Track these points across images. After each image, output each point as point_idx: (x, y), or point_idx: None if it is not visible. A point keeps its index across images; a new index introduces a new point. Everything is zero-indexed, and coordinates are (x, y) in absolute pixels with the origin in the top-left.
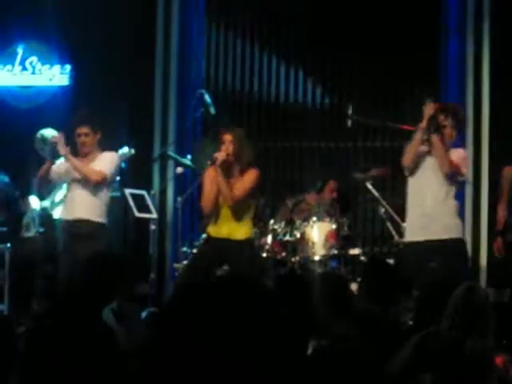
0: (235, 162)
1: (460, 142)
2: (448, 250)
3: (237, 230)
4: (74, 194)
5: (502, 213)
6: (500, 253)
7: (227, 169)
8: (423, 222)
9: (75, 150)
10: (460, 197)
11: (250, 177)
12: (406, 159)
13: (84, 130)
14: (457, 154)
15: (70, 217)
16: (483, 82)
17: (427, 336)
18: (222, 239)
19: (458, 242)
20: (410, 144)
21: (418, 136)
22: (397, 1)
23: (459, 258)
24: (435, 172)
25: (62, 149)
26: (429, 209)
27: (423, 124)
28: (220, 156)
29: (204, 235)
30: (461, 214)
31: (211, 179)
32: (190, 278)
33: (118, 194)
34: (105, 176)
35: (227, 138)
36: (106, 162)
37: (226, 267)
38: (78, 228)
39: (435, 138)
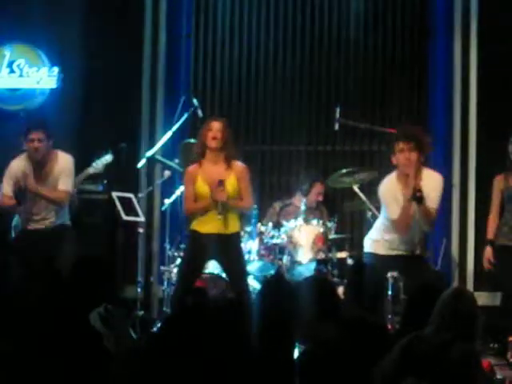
0: (221, 150)
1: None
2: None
3: (228, 223)
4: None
5: (492, 223)
6: (490, 263)
7: (213, 157)
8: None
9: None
10: (448, 201)
11: (246, 176)
12: (402, 226)
13: (39, 135)
14: (432, 183)
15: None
16: (470, 83)
17: (414, 340)
18: (212, 234)
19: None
20: (401, 213)
21: (406, 205)
22: (384, 2)
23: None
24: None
25: (31, 185)
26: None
27: (408, 194)
28: (223, 197)
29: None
30: (448, 218)
31: (191, 180)
32: (188, 280)
33: (104, 197)
34: (68, 193)
35: (215, 125)
36: (66, 176)
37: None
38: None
39: (419, 207)
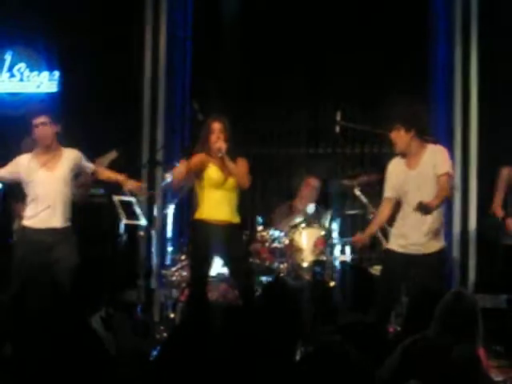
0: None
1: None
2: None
3: (235, 213)
4: (55, 202)
5: (497, 202)
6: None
7: (217, 157)
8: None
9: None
10: (449, 203)
11: (245, 164)
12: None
13: (42, 119)
14: (440, 156)
15: (46, 225)
16: (471, 85)
17: (415, 342)
18: (221, 222)
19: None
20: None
21: None
22: (385, 6)
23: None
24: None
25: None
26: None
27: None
28: (222, 145)
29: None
30: (449, 219)
31: (199, 161)
32: (203, 270)
33: (105, 200)
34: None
35: (217, 126)
36: (86, 160)
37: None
38: (51, 236)
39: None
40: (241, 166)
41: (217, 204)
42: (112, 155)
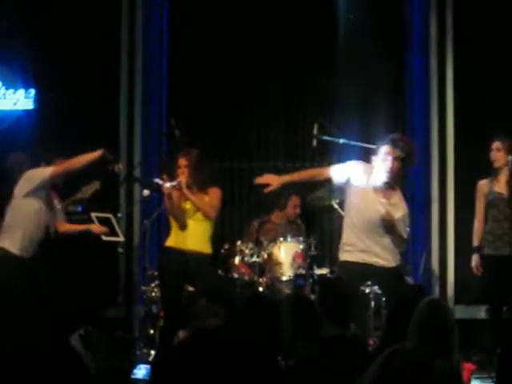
0: (192, 184)
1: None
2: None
3: (206, 244)
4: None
5: (478, 230)
6: (479, 270)
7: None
8: None
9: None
10: (427, 215)
11: (215, 194)
12: None
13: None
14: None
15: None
16: (447, 97)
17: (394, 353)
18: (191, 252)
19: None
20: None
21: None
22: (360, 18)
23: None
24: None
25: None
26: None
27: None
28: (182, 179)
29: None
30: (428, 232)
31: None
32: (173, 299)
33: (83, 217)
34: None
35: (182, 162)
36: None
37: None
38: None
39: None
40: (211, 196)
41: (187, 233)
42: (95, 186)
